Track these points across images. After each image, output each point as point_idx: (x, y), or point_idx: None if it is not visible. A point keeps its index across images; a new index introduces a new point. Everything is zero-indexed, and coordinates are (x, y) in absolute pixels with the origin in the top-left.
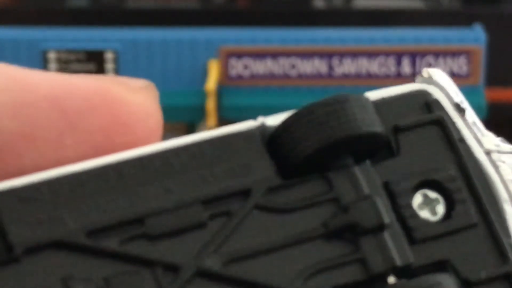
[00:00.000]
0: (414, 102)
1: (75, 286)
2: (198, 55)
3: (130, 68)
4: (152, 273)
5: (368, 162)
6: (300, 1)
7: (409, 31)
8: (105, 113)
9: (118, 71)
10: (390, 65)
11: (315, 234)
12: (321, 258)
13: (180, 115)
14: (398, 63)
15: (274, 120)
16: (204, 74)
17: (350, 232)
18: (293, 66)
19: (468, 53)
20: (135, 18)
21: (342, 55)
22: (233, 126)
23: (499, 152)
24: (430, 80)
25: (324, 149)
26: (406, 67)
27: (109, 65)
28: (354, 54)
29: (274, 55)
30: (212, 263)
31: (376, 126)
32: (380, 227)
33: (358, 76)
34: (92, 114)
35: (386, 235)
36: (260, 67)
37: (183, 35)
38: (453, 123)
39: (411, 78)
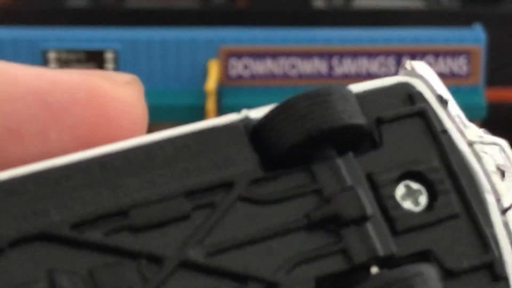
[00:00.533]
0: (397, 94)
1: (60, 278)
2: (198, 55)
3: (130, 68)
4: (136, 265)
5: (351, 154)
6: (300, 1)
7: (409, 31)
8: (89, 107)
9: (118, 71)
10: (390, 65)
11: (298, 225)
12: (304, 248)
13: (180, 115)
14: (398, 63)
15: (258, 112)
16: (204, 74)
17: (332, 223)
18: (293, 66)
19: (468, 53)
20: (135, 18)
21: (342, 55)
22: (217, 119)
23: (482, 143)
24: (413, 73)
25: (306, 141)
26: None
27: (109, 65)
28: (354, 54)
29: (274, 55)
30: (196, 254)
31: (359, 118)
32: (363, 218)
33: (358, 76)
34: (77, 108)
35: (369, 225)
36: (260, 67)
37: (183, 35)
38: (436, 115)
39: None
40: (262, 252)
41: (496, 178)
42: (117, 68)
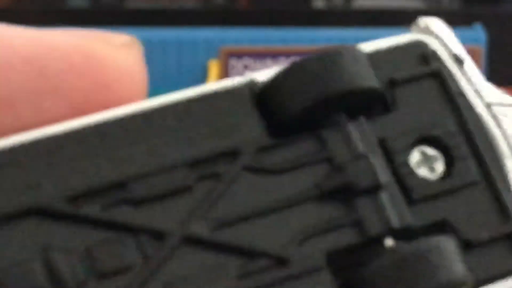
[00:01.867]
0: (410, 53)
1: (56, 257)
2: (198, 55)
3: None
4: (136, 241)
5: (362, 118)
6: (300, 1)
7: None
8: (86, 72)
9: None
10: None
11: (308, 195)
12: (315, 221)
13: None
14: None
15: (264, 75)
16: (204, 74)
17: (344, 193)
18: None
19: (468, 53)
20: (135, 18)
21: None
22: (221, 82)
23: (501, 105)
24: (427, 30)
25: (316, 105)
26: None
27: None
28: None
29: (275, 55)
30: (200, 228)
31: (371, 80)
32: (376, 187)
33: None
34: (73, 74)
35: (383, 195)
36: (260, 67)
37: (183, 35)
38: (452, 76)
39: None
40: (270, 225)
41: None
42: None
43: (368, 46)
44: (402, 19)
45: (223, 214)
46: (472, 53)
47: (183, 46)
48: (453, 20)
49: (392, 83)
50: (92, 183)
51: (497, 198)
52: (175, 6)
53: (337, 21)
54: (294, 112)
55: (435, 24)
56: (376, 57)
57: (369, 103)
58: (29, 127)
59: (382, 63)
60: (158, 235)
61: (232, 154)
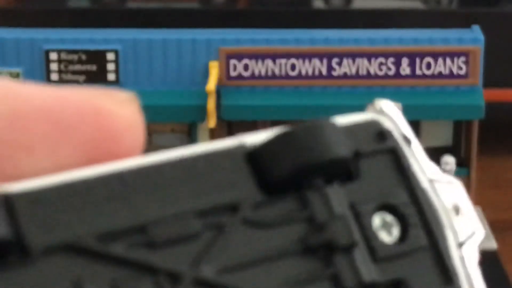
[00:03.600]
0: (370, 130)
1: (86, 287)
2: (198, 56)
3: (130, 69)
4: (154, 279)
5: (336, 183)
6: (300, 2)
7: (409, 32)
8: (96, 124)
9: (118, 72)
10: (389, 66)
11: (294, 249)
12: (299, 272)
13: (180, 116)
14: (398, 63)
15: (253, 138)
16: (204, 75)
17: (324, 249)
18: (293, 67)
19: (467, 54)
20: (136, 19)
21: (341, 55)
22: (218, 143)
23: (439, 181)
24: (381, 111)
25: (299, 170)
26: (405, 68)
27: (110, 66)
28: (354, 55)
29: (274, 55)
30: (208, 271)
31: (345, 151)
32: (352, 245)
33: (357, 76)
34: (84, 125)
35: (356, 253)
36: (260, 67)
37: (183, 35)
38: (403, 153)
39: (411, 78)
40: (263, 273)
41: (452, 215)
42: (118, 68)
43: (340, 120)
44: (402, 20)
45: (225, 260)
46: (471, 53)
47: (184, 46)
48: (452, 21)
49: (357, 155)
50: (117, 225)
51: (441, 262)
52: (175, 7)
53: (337, 22)
54: (281, 175)
55: (388, 106)
56: (346, 130)
57: (340, 171)
58: (49, 172)
59: (350, 137)
60: (174, 276)
61: (232, 207)
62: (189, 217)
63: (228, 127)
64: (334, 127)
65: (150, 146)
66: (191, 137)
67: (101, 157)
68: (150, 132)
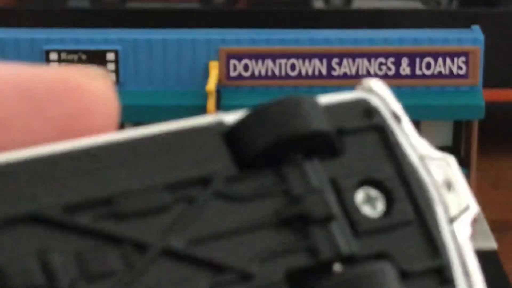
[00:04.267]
0: (356, 108)
1: (50, 256)
2: (198, 56)
3: (130, 69)
4: (120, 250)
5: (316, 159)
6: (300, 2)
7: (408, 32)
8: (67, 98)
9: (119, 72)
10: (389, 66)
11: (268, 222)
12: (274, 244)
13: (180, 116)
14: (398, 63)
15: (231, 116)
16: (204, 75)
17: (300, 222)
18: (293, 67)
19: (467, 54)
20: (136, 19)
21: (341, 55)
22: (196, 119)
23: (431, 158)
24: (369, 89)
25: (275, 145)
26: (405, 68)
27: (110, 66)
28: (354, 55)
29: (274, 56)
30: (177, 242)
31: (324, 126)
32: (328, 218)
33: (357, 76)
34: (56, 100)
35: (333, 225)
36: (260, 67)
37: (183, 36)
38: (391, 130)
39: (410, 78)
40: (236, 245)
41: (443, 190)
42: (118, 68)
43: (322, 99)
44: (402, 20)
45: (196, 232)
46: (471, 53)
47: (184, 46)
48: (452, 21)
49: (340, 132)
50: (83, 198)
51: (429, 236)
52: (175, 7)
53: (337, 22)
54: (257, 150)
55: (377, 84)
56: (328, 108)
57: (322, 146)
58: (22, 147)
59: (333, 114)
60: (140, 246)
61: (204, 181)
62: (159, 190)
63: None
64: (313, 102)
65: None
66: None
67: (74, 132)
68: None
